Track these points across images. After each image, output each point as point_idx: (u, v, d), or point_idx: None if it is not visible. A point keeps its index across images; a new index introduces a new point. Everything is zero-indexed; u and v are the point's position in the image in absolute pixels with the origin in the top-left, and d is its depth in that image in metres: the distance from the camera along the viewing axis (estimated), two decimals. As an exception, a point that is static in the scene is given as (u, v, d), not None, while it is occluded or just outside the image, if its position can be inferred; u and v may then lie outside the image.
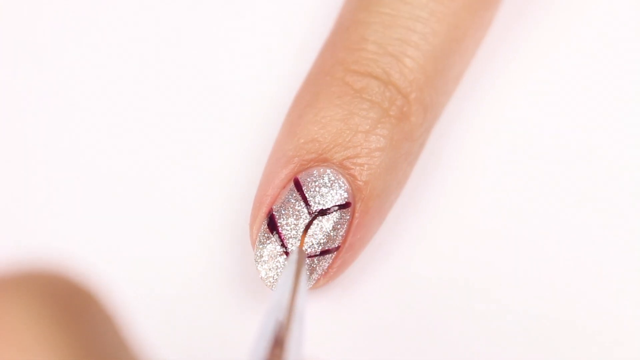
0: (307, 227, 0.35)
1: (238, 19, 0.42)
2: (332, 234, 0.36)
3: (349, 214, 0.36)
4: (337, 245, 0.36)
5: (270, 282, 0.36)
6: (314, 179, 0.36)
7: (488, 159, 0.40)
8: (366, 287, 0.38)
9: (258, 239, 0.36)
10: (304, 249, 0.35)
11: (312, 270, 0.36)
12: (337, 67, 0.37)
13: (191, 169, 0.39)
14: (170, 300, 0.38)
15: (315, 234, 0.35)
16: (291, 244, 0.35)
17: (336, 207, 0.36)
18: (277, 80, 0.40)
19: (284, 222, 0.36)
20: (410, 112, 0.37)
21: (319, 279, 0.36)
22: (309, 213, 0.35)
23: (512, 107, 0.40)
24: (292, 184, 0.36)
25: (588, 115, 0.40)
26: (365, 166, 0.36)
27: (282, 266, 0.36)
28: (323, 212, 0.36)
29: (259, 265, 0.36)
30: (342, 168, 0.36)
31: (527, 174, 0.39)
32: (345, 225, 0.36)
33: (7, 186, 0.39)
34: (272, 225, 0.36)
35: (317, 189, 0.36)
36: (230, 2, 0.42)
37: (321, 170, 0.36)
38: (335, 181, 0.36)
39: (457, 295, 0.38)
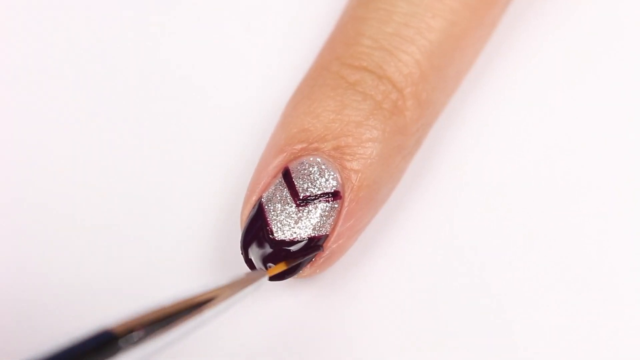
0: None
1: (247, 16, 0.43)
2: (320, 221, 0.36)
3: (339, 202, 0.36)
4: (325, 234, 0.36)
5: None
6: (304, 167, 0.36)
7: (490, 160, 0.39)
8: (358, 284, 0.38)
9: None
10: (295, 234, 0.35)
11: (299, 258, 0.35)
12: (334, 62, 0.38)
13: (196, 164, 0.40)
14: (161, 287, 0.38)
15: (304, 221, 0.35)
16: (276, 227, 0.36)
17: (326, 195, 0.36)
18: (281, 77, 0.41)
19: (271, 208, 0.36)
20: (404, 107, 0.37)
21: (305, 268, 0.36)
22: (296, 200, 0.36)
23: (516, 109, 0.40)
24: (282, 172, 0.36)
25: (590, 118, 0.40)
26: (356, 155, 0.36)
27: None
28: (312, 200, 0.36)
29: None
30: (333, 157, 0.36)
31: (526, 175, 0.39)
32: (334, 214, 0.36)
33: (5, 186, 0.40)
34: (261, 212, 0.36)
35: (307, 177, 0.36)
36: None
37: (311, 159, 0.36)
38: (325, 170, 0.36)
39: (453, 293, 0.37)
